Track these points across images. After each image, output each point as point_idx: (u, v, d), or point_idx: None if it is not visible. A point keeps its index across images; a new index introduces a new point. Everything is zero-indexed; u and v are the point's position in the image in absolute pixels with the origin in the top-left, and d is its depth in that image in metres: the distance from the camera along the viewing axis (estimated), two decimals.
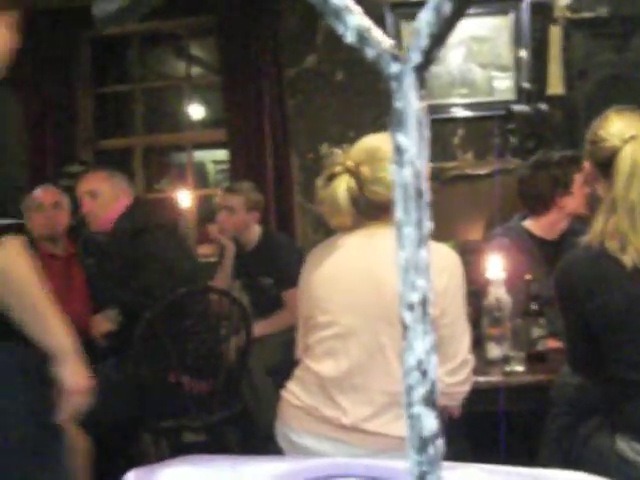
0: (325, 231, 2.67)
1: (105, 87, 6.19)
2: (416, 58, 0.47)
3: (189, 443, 4.34)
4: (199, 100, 7.16)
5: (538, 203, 3.58)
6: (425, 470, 0.48)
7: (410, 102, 0.48)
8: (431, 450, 0.48)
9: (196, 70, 6.54)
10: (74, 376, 2.20)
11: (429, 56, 0.47)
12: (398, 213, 0.48)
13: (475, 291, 3.23)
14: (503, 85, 5.34)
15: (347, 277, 2.35)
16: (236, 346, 4.05)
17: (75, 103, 5.87)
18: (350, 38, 0.49)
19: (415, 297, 0.50)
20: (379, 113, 5.25)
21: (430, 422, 0.48)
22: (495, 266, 3.11)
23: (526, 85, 5.21)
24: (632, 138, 2.33)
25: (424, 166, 0.48)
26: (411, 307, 0.50)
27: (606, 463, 2.33)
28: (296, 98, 5.46)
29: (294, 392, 2.44)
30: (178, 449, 3.91)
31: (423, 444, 0.48)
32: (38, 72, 5.62)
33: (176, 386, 3.84)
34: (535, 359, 3.11)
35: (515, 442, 3.02)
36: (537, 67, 5.20)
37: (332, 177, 2.41)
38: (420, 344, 0.48)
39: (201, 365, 3.90)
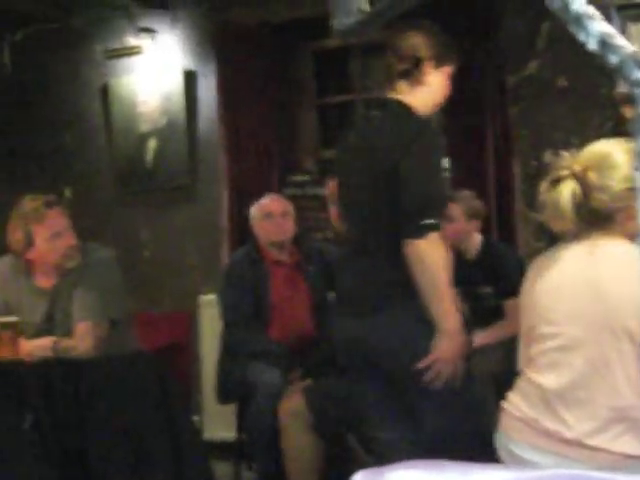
0: (548, 240, 2.63)
1: (327, 98, 6.31)
2: None
3: (400, 449, 4.34)
4: None
5: None
6: None
7: None
8: None
9: None
10: (444, 348, 2.93)
11: None
12: None
13: None
14: None
15: (571, 288, 2.30)
16: None
17: (299, 114, 6.03)
18: (592, 45, 0.49)
19: None
20: (604, 119, 5.09)
21: None
22: None
23: None
24: None
25: None
26: None
27: None
28: (518, 105, 5.37)
29: (515, 403, 2.41)
30: (390, 454, 3.92)
31: None
32: (262, 82, 5.81)
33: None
34: None
35: None
36: None
37: (557, 181, 2.36)
38: None
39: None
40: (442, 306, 2.95)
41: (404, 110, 3.14)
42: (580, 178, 2.32)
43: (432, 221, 2.93)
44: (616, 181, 2.30)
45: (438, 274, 2.96)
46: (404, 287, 2.97)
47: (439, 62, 3.23)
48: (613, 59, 0.49)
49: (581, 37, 0.50)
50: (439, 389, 2.99)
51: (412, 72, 3.21)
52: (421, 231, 2.91)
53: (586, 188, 2.31)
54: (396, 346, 3.02)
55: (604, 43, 0.50)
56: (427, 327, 2.96)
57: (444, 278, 2.98)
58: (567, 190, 2.32)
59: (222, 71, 5.83)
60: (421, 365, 2.95)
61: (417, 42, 3.23)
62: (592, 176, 2.31)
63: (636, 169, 0.47)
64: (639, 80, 0.47)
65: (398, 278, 2.99)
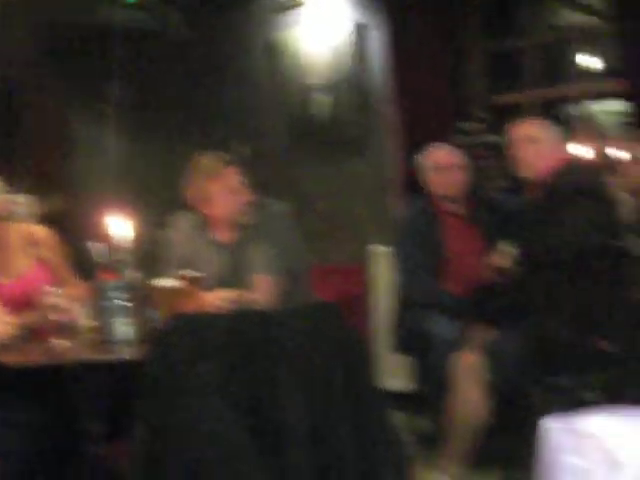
0: None
1: (496, 42, 6.19)
2: None
3: (583, 400, 4.28)
4: (593, 51, 6.94)
5: None
6: None
7: None
8: None
9: (590, 20, 6.34)
10: None
11: None
12: None
13: None
14: None
15: None
16: (634, 303, 3.93)
17: (467, 60, 5.95)
18: None
19: None
20: None
21: None
22: None
23: None
24: None
25: None
26: None
27: None
28: None
29: None
30: (572, 406, 3.87)
31: None
32: (430, 31, 5.76)
33: (574, 343, 3.81)
34: None
35: None
36: None
37: None
38: None
39: (599, 322, 3.84)
40: None
41: None
42: None
43: None
44: None
45: None
46: None
47: None
48: None
49: None
50: None
51: None
52: None
53: None
54: None
55: None
56: None
57: None
58: None
59: (390, 22, 5.81)
60: None
61: None
62: None
63: None
64: None
65: None
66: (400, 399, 4.81)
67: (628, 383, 3.99)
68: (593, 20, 6.46)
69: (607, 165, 4.93)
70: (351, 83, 6.00)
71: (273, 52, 6.32)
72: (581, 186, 3.94)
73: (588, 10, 6.39)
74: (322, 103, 6.09)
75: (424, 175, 4.60)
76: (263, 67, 6.44)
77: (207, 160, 3.98)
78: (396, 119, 5.80)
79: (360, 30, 5.99)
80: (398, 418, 4.57)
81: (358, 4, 6.03)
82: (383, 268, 5.48)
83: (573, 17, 6.34)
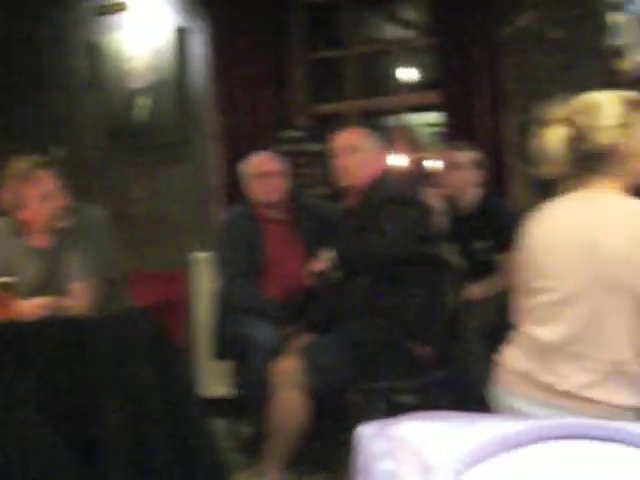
0: (541, 194, 2.62)
1: (318, 52, 6.28)
2: None
3: (401, 404, 4.39)
4: (411, 63, 7.16)
5: None
6: None
7: None
8: None
9: (409, 33, 6.52)
10: None
11: None
12: None
13: None
14: None
15: (568, 242, 2.31)
16: (450, 309, 4.06)
17: (289, 69, 6.00)
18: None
19: None
20: (599, 70, 5.07)
21: None
22: None
23: None
24: None
25: None
26: None
27: None
28: (511, 58, 5.34)
29: (510, 356, 2.42)
30: (390, 410, 3.96)
31: None
32: (255, 40, 5.77)
33: (392, 348, 3.90)
34: None
35: None
36: None
37: (546, 125, 2.39)
38: None
39: (416, 328, 3.94)
40: None
41: None
42: (570, 122, 2.34)
43: None
44: (605, 119, 2.31)
45: None
46: None
47: None
48: (632, 9, 0.49)
49: None
50: None
51: None
52: None
53: (576, 130, 2.32)
54: None
55: None
56: None
57: None
58: (557, 134, 2.34)
59: (213, 27, 5.80)
60: None
61: None
62: (581, 118, 2.32)
63: None
64: None
65: None
66: (220, 405, 4.80)
67: (444, 387, 4.12)
68: (412, 33, 6.65)
69: (423, 174, 5.08)
70: (172, 88, 5.95)
71: (95, 54, 6.19)
72: (394, 194, 4.05)
73: (407, 23, 6.57)
74: (143, 107, 6.01)
75: (246, 182, 4.64)
76: (84, 69, 6.30)
77: (21, 164, 3.85)
78: (218, 125, 5.79)
79: (182, 34, 5.95)
80: (218, 424, 4.55)
81: (181, 8, 5.99)
82: (204, 274, 5.45)
83: (393, 30, 6.50)
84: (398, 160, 5.38)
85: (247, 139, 5.58)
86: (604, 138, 2.29)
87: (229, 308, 4.45)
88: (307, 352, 4.01)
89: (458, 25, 5.31)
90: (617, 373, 2.22)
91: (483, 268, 4.52)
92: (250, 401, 4.25)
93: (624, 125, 2.30)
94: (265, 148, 4.90)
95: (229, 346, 4.42)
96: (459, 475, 0.78)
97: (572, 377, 2.25)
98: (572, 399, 2.23)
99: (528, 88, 5.30)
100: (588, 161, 2.33)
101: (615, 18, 4.43)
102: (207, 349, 4.71)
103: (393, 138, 6.89)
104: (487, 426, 0.88)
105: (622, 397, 2.22)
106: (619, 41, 4.67)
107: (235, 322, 4.33)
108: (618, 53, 4.65)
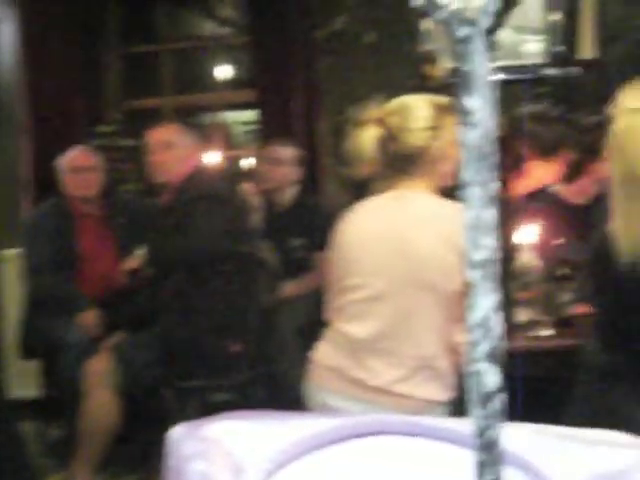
0: (353, 194, 2.67)
1: (134, 47, 6.18)
2: (485, 22, 0.48)
3: (216, 403, 4.38)
4: (228, 61, 7.13)
5: (571, 169, 3.55)
6: (487, 424, 0.49)
7: (479, 65, 0.48)
8: (493, 405, 0.49)
9: (225, 30, 6.51)
10: None
11: (498, 20, 0.48)
12: (466, 173, 0.49)
13: (503, 254, 3.22)
14: (534, 48, 5.28)
15: (378, 240, 2.36)
16: (264, 307, 4.08)
17: (103, 63, 5.88)
18: (417, 2, 0.50)
19: (480, 255, 0.51)
20: (408, 76, 5.21)
21: (493, 378, 0.49)
22: (525, 230, 3.10)
23: (558, 49, 5.15)
24: (635, 110, 2.23)
25: (492, 128, 0.49)
26: (476, 265, 0.51)
27: (634, 432, 2.32)
28: (326, 59, 5.42)
29: (324, 353, 2.45)
30: (205, 408, 3.95)
31: (485, 399, 0.49)
32: (67, 32, 5.62)
33: (205, 345, 3.88)
34: (563, 324, 3.11)
35: (541, 407, 3.03)
36: (569, 31, 5.13)
37: (359, 126, 2.43)
38: (486, 301, 0.49)
39: (230, 325, 3.94)
40: None
41: None
42: (381, 123, 2.39)
43: None
44: (416, 122, 2.37)
45: None
46: None
47: None
48: (439, 15, 0.50)
49: None
50: None
51: None
52: None
53: (387, 131, 2.38)
54: None
55: (430, 0, 0.51)
56: None
57: None
58: (369, 135, 2.40)
59: (23, 17, 5.59)
60: None
61: None
62: (392, 120, 2.38)
63: (463, 125, 0.48)
64: (463, 37, 0.49)
65: None
66: (30, 407, 4.64)
67: (259, 385, 4.14)
68: (228, 31, 6.63)
69: (239, 171, 5.09)
70: None
71: None
72: (208, 191, 4.04)
73: (224, 21, 6.55)
74: None
75: (60, 176, 4.53)
76: None
77: None
78: (27, 118, 5.60)
79: None
80: (28, 426, 4.40)
81: None
82: (13, 272, 5.25)
83: (209, 27, 6.47)
84: (213, 157, 5.35)
85: (58, 134, 5.42)
86: (414, 140, 2.36)
87: (38, 305, 4.32)
88: (119, 351, 3.94)
89: (275, 24, 5.35)
90: (426, 368, 2.29)
91: (298, 266, 4.56)
92: (62, 402, 4.15)
93: (433, 128, 2.37)
94: (77, 143, 4.78)
95: (38, 345, 4.29)
96: (270, 475, 0.78)
97: (383, 373, 2.30)
98: (383, 394, 2.28)
99: (343, 89, 5.40)
100: (398, 162, 2.39)
101: (426, 24, 4.56)
102: (15, 348, 4.55)
103: (208, 135, 6.86)
104: (299, 424, 0.88)
105: (432, 392, 2.30)
106: (430, 46, 4.81)
107: (45, 320, 4.21)
108: (429, 58, 4.79)
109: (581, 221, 3.40)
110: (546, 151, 3.32)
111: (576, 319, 3.13)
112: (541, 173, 3.38)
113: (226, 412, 1.00)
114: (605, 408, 2.51)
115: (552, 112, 3.62)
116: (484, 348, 0.49)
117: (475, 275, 0.51)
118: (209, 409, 3.94)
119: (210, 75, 6.76)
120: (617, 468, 0.84)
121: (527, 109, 3.50)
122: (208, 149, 5.55)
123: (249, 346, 3.97)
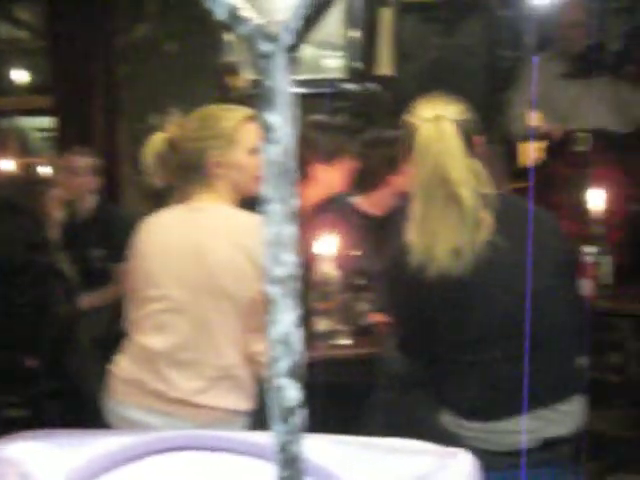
0: (153, 204, 2.64)
1: None
2: (287, 38, 0.48)
3: (11, 418, 4.21)
4: (24, 65, 6.91)
5: (368, 180, 3.62)
6: (288, 439, 0.49)
7: (280, 81, 0.49)
8: (294, 420, 0.50)
9: (23, 34, 6.30)
10: None
11: (300, 37, 0.48)
12: (266, 189, 0.49)
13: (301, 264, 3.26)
14: (333, 64, 5.41)
15: (175, 251, 2.35)
16: (61, 318, 3.97)
17: None
18: (220, 15, 0.49)
19: (280, 272, 0.51)
20: (209, 86, 5.21)
21: (293, 393, 0.49)
22: (323, 241, 3.14)
23: (356, 65, 5.30)
24: (434, 119, 2.33)
25: (292, 144, 0.49)
26: (276, 281, 0.51)
27: (429, 435, 2.39)
28: (126, 67, 5.34)
29: (122, 365, 2.41)
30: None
31: (286, 414, 0.49)
32: None
33: None
34: (361, 333, 3.17)
35: (341, 414, 3.08)
36: (368, 48, 5.28)
37: (156, 135, 2.44)
38: (286, 317, 0.50)
39: (25, 338, 3.81)
40: None
41: None
42: (178, 133, 2.40)
43: None
44: (213, 132, 2.38)
45: None
46: None
47: None
48: (241, 30, 0.50)
49: (209, 6, 0.51)
50: None
51: None
52: None
53: (183, 142, 2.38)
54: None
55: (232, 14, 0.51)
56: None
57: None
58: (165, 144, 2.40)
59: None
60: None
61: None
62: (189, 131, 2.38)
63: (264, 141, 0.48)
64: (265, 52, 0.49)
65: None
66: None
67: (56, 399, 4.02)
68: (25, 34, 6.43)
69: (35, 179, 4.93)
70: None
71: None
72: (1, 200, 3.91)
73: (21, 24, 6.34)
74: None
75: None
76: None
77: None
78: None
79: None
80: None
81: None
82: None
83: (6, 29, 6.24)
84: (7, 164, 5.17)
85: None
86: (208, 151, 2.36)
87: None
88: None
89: (74, 30, 5.22)
90: (226, 378, 2.29)
91: (98, 276, 4.46)
92: None
93: (231, 140, 2.38)
94: None
95: None
96: None
97: (182, 384, 2.28)
98: (184, 406, 2.27)
99: (144, 98, 5.34)
100: (192, 172, 2.39)
101: (229, 36, 4.59)
102: None
103: (2, 141, 6.62)
104: (97, 442, 0.86)
105: (232, 402, 2.30)
106: (233, 58, 4.84)
107: None
108: (232, 69, 4.81)
109: (378, 232, 3.49)
110: (327, 156, 3.38)
111: (373, 328, 3.21)
112: (327, 179, 3.43)
113: (22, 428, 0.97)
114: (402, 414, 2.59)
115: (332, 121, 3.71)
116: (285, 364, 0.50)
117: (276, 291, 0.51)
118: (3, 425, 3.80)
119: (6, 79, 6.53)
120: (417, 475, 0.86)
121: (308, 118, 3.56)
122: (2, 156, 5.36)
123: (45, 360, 3.85)
